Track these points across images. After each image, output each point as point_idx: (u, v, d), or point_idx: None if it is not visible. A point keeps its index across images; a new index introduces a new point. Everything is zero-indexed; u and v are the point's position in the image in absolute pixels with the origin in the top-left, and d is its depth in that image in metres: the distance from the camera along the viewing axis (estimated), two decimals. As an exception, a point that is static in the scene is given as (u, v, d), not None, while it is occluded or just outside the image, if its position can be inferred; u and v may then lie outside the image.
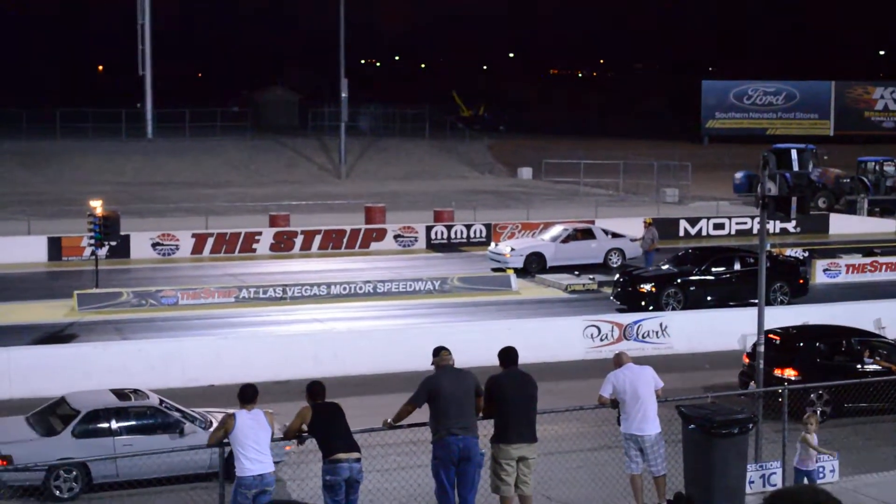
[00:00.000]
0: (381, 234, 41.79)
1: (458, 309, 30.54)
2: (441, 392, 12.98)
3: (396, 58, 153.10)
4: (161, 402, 17.30)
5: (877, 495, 14.68)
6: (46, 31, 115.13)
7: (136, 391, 17.78)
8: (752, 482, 14.68)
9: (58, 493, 16.14)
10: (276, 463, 16.70)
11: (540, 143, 79.14)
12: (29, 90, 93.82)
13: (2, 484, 15.97)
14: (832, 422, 19.07)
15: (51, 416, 17.08)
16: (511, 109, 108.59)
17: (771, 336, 20.62)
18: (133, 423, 16.85)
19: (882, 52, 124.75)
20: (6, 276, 35.21)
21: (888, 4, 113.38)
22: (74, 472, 16.17)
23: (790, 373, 19.94)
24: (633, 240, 36.81)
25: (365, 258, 39.62)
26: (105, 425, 16.71)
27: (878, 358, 20.45)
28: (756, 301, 17.44)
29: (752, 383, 18.56)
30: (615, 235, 37.52)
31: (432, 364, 13.41)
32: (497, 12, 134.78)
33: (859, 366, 20.27)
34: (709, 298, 29.95)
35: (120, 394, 17.52)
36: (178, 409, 17.17)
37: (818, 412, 18.45)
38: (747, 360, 20.65)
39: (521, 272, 34.76)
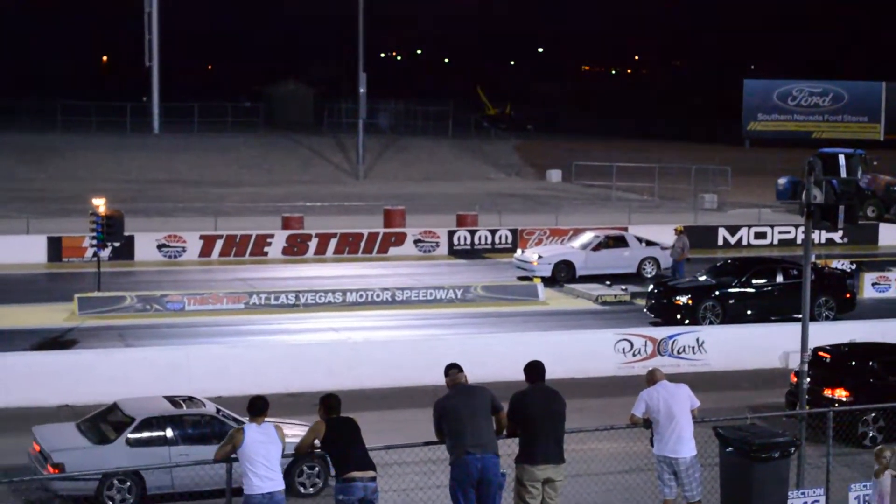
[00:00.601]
0: (400, 239, 41.82)
1: (482, 319, 30.56)
2: (453, 412, 13.00)
3: (419, 52, 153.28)
4: (218, 410, 17.42)
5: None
6: (48, 20, 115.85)
7: (190, 398, 17.90)
8: (794, 510, 14.63)
9: (110, 503, 16.23)
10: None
11: (570, 144, 79.13)
12: (29, 81, 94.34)
13: (54, 493, 16.18)
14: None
15: (103, 423, 17.21)
16: (540, 108, 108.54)
17: (821, 354, 20.56)
18: (189, 431, 16.95)
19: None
20: (3, 278, 35.39)
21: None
22: (128, 482, 16.27)
23: (841, 393, 19.85)
24: (664, 248, 36.68)
25: (383, 264, 39.65)
26: (160, 434, 16.83)
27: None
28: (800, 316, 17.39)
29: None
30: (649, 244, 37.39)
31: (446, 384, 13.43)
32: (525, 5, 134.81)
33: (916, 387, 20.14)
34: (749, 312, 29.86)
35: (173, 401, 17.64)
36: (235, 419, 17.20)
37: (870, 436, 18.36)
38: (795, 380, 20.55)
39: (548, 281, 34.73)
